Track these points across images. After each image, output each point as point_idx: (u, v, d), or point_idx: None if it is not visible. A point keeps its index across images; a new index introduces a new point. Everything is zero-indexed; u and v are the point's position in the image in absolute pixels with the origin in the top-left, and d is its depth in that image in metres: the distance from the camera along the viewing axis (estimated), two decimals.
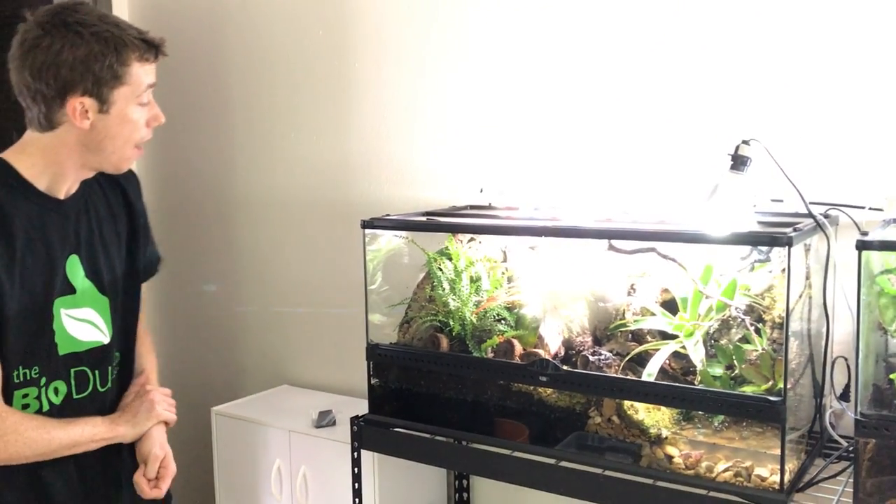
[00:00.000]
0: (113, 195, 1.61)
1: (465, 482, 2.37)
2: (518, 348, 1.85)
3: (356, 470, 2.03)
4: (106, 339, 1.56)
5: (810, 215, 1.64)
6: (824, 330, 1.72)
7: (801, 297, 1.63)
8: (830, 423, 1.75)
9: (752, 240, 1.60)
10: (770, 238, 1.54)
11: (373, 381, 2.01)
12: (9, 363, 1.43)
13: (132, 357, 1.67)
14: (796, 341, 1.60)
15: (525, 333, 1.87)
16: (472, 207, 2.21)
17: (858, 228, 1.72)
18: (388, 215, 2.04)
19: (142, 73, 1.42)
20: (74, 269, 1.50)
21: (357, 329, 2.11)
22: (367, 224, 1.97)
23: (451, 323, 1.95)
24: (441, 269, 1.98)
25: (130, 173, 1.65)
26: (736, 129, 1.81)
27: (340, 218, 2.52)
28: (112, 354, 1.59)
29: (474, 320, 1.93)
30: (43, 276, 1.45)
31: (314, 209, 2.62)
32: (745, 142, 1.63)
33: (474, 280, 1.97)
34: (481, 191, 2.26)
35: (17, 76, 1.40)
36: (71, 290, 1.49)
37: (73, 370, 1.51)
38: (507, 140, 2.24)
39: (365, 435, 1.99)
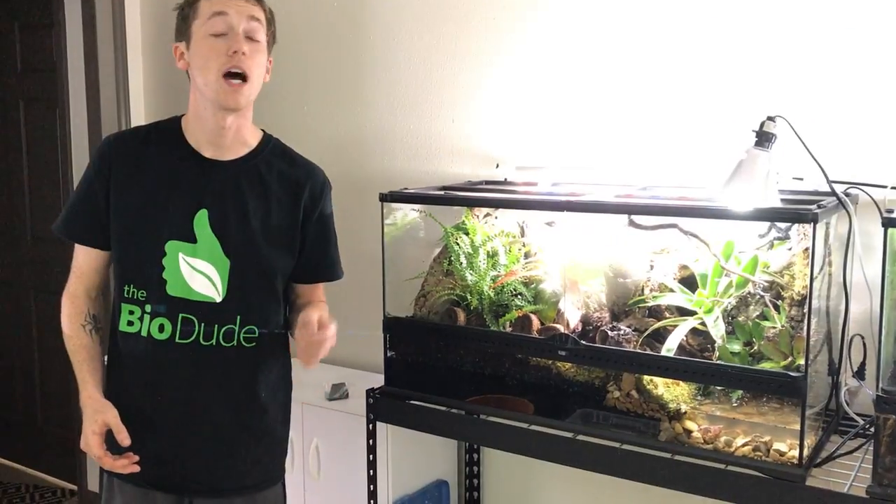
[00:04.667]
0: (286, 181, 1.69)
1: (475, 455, 2.38)
2: (536, 323, 1.86)
3: (371, 442, 2.04)
4: (218, 298, 1.63)
5: (833, 193, 1.64)
6: (842, 308, 1.73)
7: (820, 273, 1.64)
8: (845, 400, 1.77)
9: (778, 216, 1.60)
10: (796, 215, 1.54)
11: (389, 354, 2.02)
12: (121, 273, 1.65)
13: (266, 341, 1.69)
14: (814, 319, 1.60)
15: (543, 308, 1.88)
16: (489, 182, 2.21)
17: (878, 207, 1.73)
18: (405, 189, 2.03)
19: (207, 4, 1.58)
20: (202, 222, 1.62)
21: (370, 302, 2.11)
22: (385, 197, 1.97)
23: (469, 297, 1.95)
24: (458, 244, 1.98)
25: (321, 177, 1.74)
26: (758, 105, 1.81)
27: (355, 192, 2.52)
28: (224, 315, 1.64)
29: (492, 295, 1.93)
30: (164, 212, 1.61)
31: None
32: (770, 118, 1.63)
33: (491, 255, 1.97)
34: (497, 166, 2.26)
35: None
36: (192, 239, 1.61)
37: (181, 315, 1.62)
38: (524, 115, 2.23)
39: (381, 407, 2.00)
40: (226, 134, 1.63)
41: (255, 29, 1.59)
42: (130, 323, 1.64)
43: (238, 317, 1.65)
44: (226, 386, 1.67)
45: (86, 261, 1.69)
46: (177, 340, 1.62)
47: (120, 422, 1.56)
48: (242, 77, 1.57)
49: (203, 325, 1.63)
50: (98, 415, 1.56)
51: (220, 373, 1.66)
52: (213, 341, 1.64)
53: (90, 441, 1.55)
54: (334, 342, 1.59)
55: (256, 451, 1.72)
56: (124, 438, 1.54)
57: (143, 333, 1.63)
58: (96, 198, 1.64)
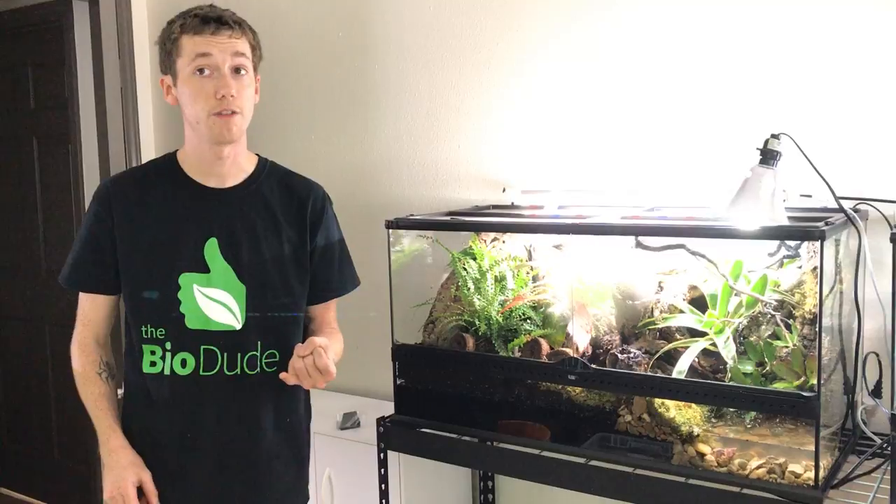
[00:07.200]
0: (288, 200, 1.69)
1: (489, 483, 2.36)
2: (545, 347, 1.84)
3: (382, 471, 2.03)
4: (238, 325, 1.62)
5: (841, 210, 1.63)
6: (855, 325, 1.70)
7: (832, 292, 1.61)
8: (862, 419, 1.74)
9: (785, 234, 1.59)
10: (802, 232, 1.53)
11: (398, 382, 2.01)
12: (137, 315, 1.62)
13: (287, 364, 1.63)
14: (828, 337, 1.58)
15: (552, 332, 1.86)
16: (495, 207, 2.21)
17: (889, 222, 1.71)
18: (411, 215, 2.03)
19: (190, 43, 1.54)
20: (212, 251, 1.61)
21: (379, 330, 2.11)
22: (391, 224, 1.97)
23: (477, 322, 1.94)
24: (465, 269, 1.97)
25: (320, 191, 1.75)
26: (764, 123, 1.80)
27: (361, 219, 2.52)
28: (246, 342, 1.63)
29: (500, 320, 1.92)
30: (173, 246, 1.61)
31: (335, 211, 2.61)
32: (774, 136, 1.62)
33: (499, 279, 1.96)
34: (504, 190, 2.25)
35: None
36: (205, 269, 1.61)
37: (202, 347, 1.60)
38: (529, 139, 2.23)
39: (391, 436, 1.99)
40: (224, 163, 1.64)
41: (241, 63, 1.58)
42: (153, 364, 1.61)
43: (259, 342, 1.64)
44: (254, 414, 1.66)
45: (93, 309, 1.67)
46: (201, 373, 1.61)
47: (153, 485, 1.59)
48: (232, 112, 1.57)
49: (226, 354, 1.61)
50: (134, 468, 1.59)
51: (247, 402, 1.65)
52: (238, 370, 1.62)
53: (128, 492, 1.56)
54: (331, 376, 1.55)
55: (289, 478, 1.72)
56: (155, 502, 1.59)
57: (167, 372, 1.61)
58: (100, 244, 1.63)
